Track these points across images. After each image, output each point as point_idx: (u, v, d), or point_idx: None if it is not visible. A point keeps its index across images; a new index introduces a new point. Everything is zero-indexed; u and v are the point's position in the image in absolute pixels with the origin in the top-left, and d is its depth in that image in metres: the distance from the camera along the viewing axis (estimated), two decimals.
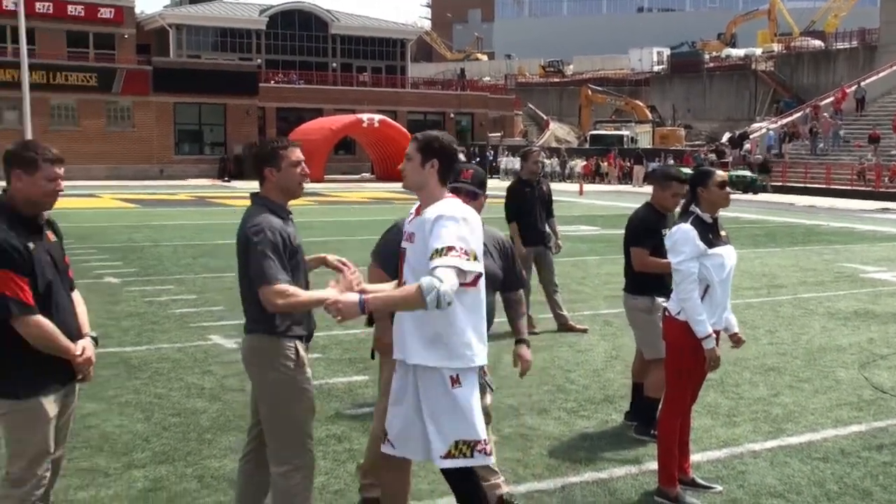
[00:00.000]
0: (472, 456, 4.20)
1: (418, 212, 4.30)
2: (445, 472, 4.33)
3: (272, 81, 59.63)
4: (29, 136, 41.81)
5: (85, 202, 29.18)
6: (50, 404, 4.13)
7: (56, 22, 51.66)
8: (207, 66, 55.09)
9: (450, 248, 3.99)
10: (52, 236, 4.26)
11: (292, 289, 4.24)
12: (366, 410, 7.24)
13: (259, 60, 62.06)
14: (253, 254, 4.29)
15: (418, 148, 4.29)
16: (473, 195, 5.03)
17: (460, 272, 3.98)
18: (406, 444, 4.33)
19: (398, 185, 31.87)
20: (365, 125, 49.48)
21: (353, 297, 3.99)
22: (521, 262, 10.46)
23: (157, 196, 35.37)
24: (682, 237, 5.37)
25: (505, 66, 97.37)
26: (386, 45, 70.25)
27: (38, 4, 49.58)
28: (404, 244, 4.35)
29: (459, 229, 4.06)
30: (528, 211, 10.51)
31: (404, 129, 50.88)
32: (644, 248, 6.66)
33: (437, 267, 3.93)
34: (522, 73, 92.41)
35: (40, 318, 4.00)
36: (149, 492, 5.53)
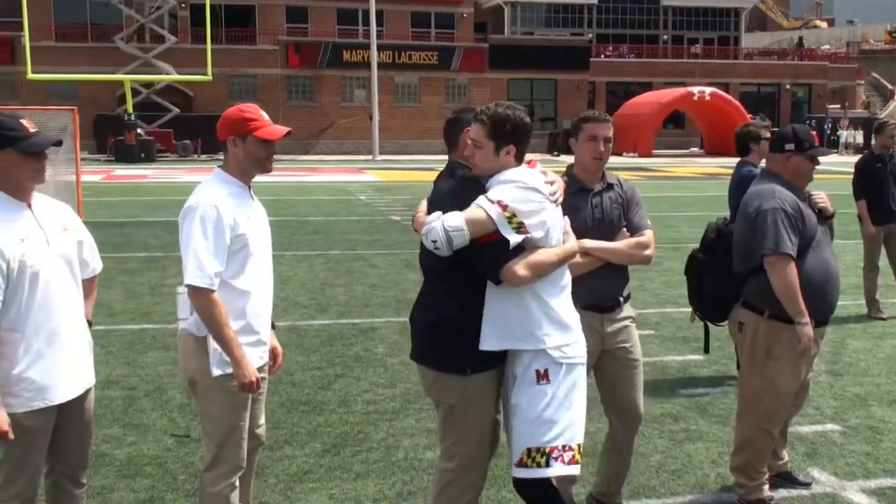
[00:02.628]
0: (547, 465, 3.66)
1: None
2: (517, 483, 3.79)
3: (602, 56, 59.56)
4: (376, 113, 44.69)
5: (427, 175, 30.62)
6: (491, 382, 3.93)
7: (402, 4, 54.39)
8: (540, 41, 55.95)
9: (493, 199, 3.59)
10: None
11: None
12: (700, 391, 7.17)
13: (590, 35, 62.14)
14: None
15: (489, 134, 3.70)
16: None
17: (486, 223, 3.56)
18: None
19: (729, 160, 30.87)
20: (695, 98, 48.30)
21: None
22: (869, 242, 9.96)
23: None
24: None
25: (847, 32, 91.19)
26: (719, 14, 67.91)
27: None
28: None
29: (519, 193, 3.62)
30: (879, 187, 9.83)
31: (736, 102, 49.20)
32: None
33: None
34: (866, 39, 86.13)
35: None
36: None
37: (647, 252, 4.67)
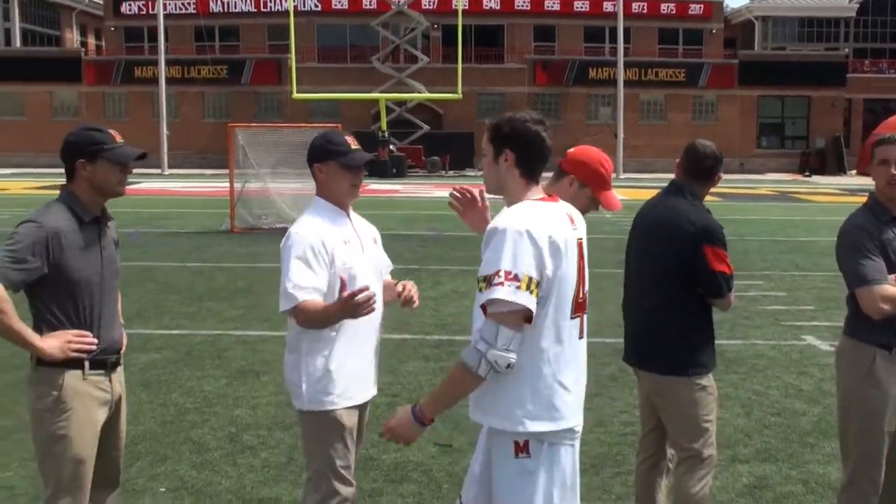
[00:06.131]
0: None
1: None
2: None
3: (860, 71, 56.60)
4: (621, 130, 44.44)
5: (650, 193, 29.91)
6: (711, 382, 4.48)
7: (649, 21, 53.86)
8: (793, 57, 53.89)
9: (495, 274, 3.07)
10: None
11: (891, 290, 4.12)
12: None
13: (846, 49, 59.22)
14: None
15: (488, 138, 3.35)
16: None
17: (510, 313, 3.06)
18: None
19: None
20: None
21: (405, 413, 3.28)
22: None
23: (739, 190, 35.48)
24: None
25: None
26: None
27: (634, 5, 52.01)
28: None
29: (514, 246, 3.09)
30: None
31: None
32: None
33: (482, 325, 3.12)
34: None
35: None
36: (753, 488, 5.65)
37: None
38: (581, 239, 3.36)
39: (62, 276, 3.71)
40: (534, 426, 3.20)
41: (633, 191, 34.79)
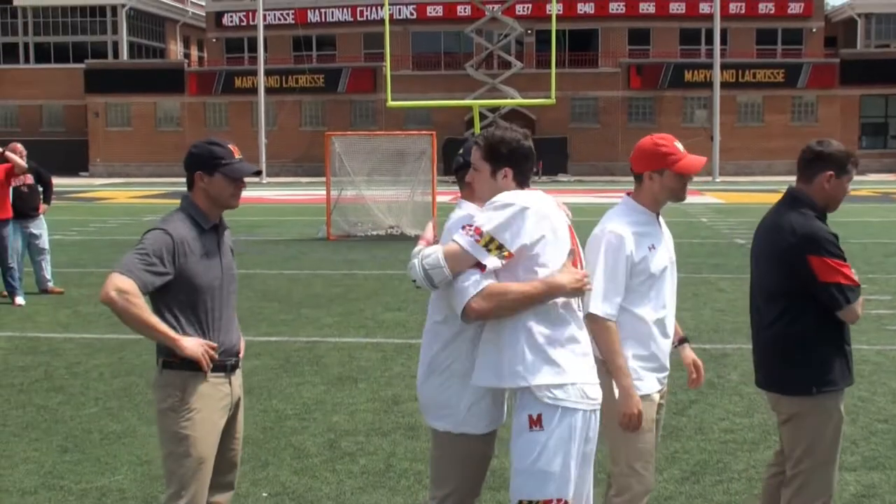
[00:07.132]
0: None
1: None
2: None
3: None
4: (717, 133, 43.71)
5: (769, 197, 29.39)
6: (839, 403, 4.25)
7: (747, 21, 52.76)
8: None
9: (468, 227, 3.47)
10: None
11: None
12: None
13: None
14: None
15: (484, 157, 3.64)
16: None
17: (463, 255, 3.42)
18: None
19: None
20: None
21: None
22: None
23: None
24: None
25: None
26: None
27: (731, 5, 50.98)
28: None
29: (497, 214, 3.45)
30: None
31: None
32: None
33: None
34: None
35: None
36: (862, 497, 5.51)
37: None
38: (570, 225, 3.67)
39: (186, 282, 3.85)
40: (535, 379, 3.44)
41: (728, 194, 34.22)
